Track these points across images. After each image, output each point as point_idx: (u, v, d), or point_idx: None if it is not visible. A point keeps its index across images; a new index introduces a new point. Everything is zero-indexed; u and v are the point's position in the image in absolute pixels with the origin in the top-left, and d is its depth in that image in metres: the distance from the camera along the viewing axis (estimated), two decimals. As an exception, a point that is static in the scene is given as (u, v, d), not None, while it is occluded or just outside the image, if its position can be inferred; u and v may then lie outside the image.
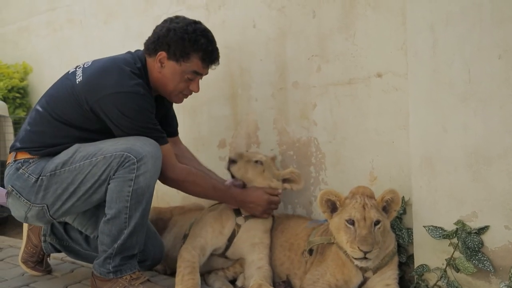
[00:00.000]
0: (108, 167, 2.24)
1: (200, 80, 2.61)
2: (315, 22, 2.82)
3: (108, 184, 2.27)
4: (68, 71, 2.53)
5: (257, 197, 2.57)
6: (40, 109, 2.47)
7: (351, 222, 2.15)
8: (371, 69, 2.61)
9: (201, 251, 2.50)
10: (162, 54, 2.45)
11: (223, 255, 2.66)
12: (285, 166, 3.00)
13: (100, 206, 2.42)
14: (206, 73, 2.60)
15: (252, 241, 2.59)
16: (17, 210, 2.43)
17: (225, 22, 3.22)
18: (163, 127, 2.80)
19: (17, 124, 4.36)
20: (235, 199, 2.59)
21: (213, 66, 2.60)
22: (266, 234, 2.65)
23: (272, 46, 3.02)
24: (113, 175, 2.24)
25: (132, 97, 2.31)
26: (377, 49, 2.58)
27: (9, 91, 4.58)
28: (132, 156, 2.22)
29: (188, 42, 2.43)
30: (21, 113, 4.61)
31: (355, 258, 2.13)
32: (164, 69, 2.47)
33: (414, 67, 2.27)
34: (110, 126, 2.36)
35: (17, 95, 4.64)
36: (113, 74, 2.36)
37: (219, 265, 2.67)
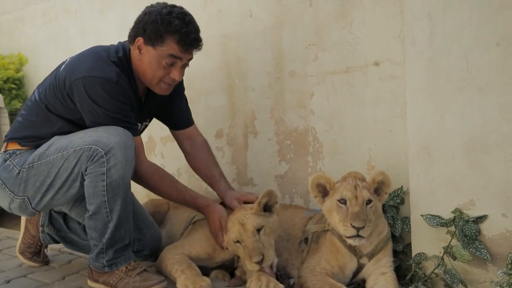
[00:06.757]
0: (78, 161, 2.21)
1: (186, 67, 2.47)
2: (311, 11, 2.80)
3: (83, 179, 2.24)
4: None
5: (212, 220, 2.45)
6: (33, 99, 2.47)
7: (343, 201, 2.17)
8: (368, 58, 2.60)
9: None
10: (140, 40, 2.35)
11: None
12: (283, 156, 3.00)
13: None
14: (189, 58, 2.43)
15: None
16: (2, 200, 2.43)
17: (222, 11, 3.20)
18: (165, 119, 2.77)
19: (13, 115, 4.34)
20: (198, 210, 2.54)
21: (194, 50, 2.40)
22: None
23: (269, 35, 3.00)
24: (85, 170, 2.21)
25: (102, 83, 2.24)
26: (374, 38, 2.57)
27: (5, 82, 4.56)
28: (99, 148, 2.17)
29: (162, 25, 2.29)
30: (17, 104, 4.58)
31: (348, 237, 2.14)
32: (142, 56, 2.37)
33: (412, 55, 2.25)
34: (82, 114, 2.32)
35: (13, 86, 4.62)
36: (88, 59, 2.33)
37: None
